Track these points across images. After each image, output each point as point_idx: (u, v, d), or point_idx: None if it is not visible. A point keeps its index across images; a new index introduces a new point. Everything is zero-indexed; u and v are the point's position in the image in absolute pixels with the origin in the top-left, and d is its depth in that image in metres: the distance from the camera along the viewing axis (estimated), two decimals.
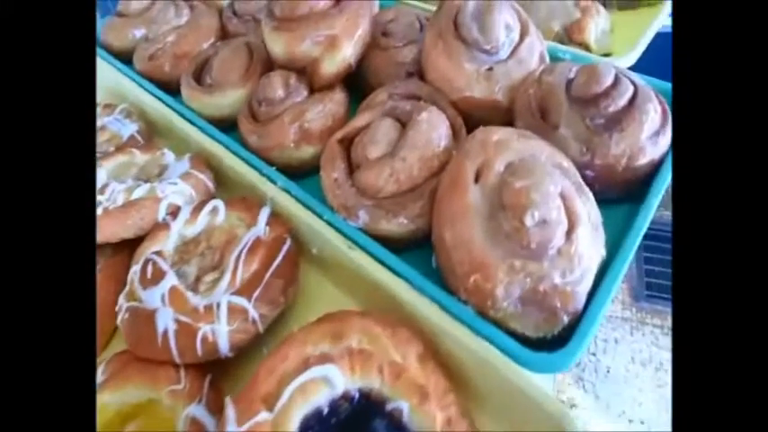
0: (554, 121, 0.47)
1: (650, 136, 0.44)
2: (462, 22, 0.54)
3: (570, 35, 0.60)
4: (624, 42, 0.61)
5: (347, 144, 0.53)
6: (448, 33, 0.54)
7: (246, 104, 0.62)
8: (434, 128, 0.49)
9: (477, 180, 0.41)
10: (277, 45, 0.61)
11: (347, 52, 0.59)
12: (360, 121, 0.54)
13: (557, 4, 0.61)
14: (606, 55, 0.61)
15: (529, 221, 0.36)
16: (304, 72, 0.60)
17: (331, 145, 0.52)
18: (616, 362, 0.66)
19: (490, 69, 0.52)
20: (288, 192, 0.52)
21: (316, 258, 0.49)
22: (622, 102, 0.45)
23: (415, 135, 0.48)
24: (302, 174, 0.58)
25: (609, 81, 0.46)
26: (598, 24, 0.61)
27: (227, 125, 0.64)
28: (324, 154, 0.52)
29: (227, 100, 0.65)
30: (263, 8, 0.77)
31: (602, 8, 0.62)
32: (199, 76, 0.70)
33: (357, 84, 0.64)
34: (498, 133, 0.44)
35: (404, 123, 0.51)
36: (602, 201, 0.42)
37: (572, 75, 0.50)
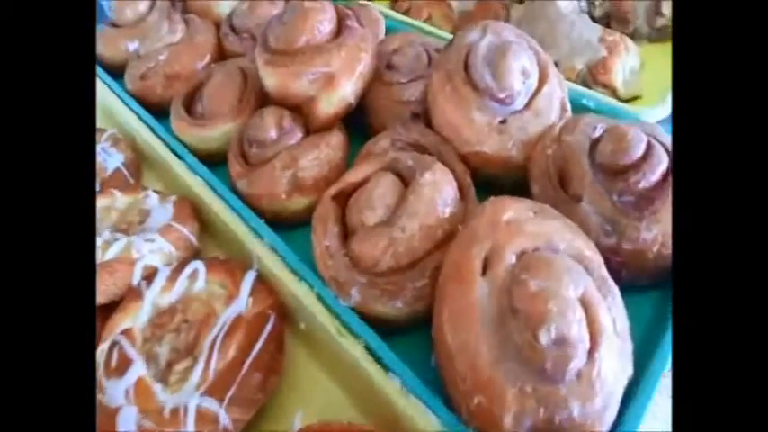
0: (575, 192, 0.41)
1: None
2: (473, 66, 0.48)
3: (595, 75, 0.53)
4: (656, 83, 0.55)
5: (343, 200, 0.48)
6: (457, 77, 0.48)
7: (237, 141, 0.57)
8: (439, 192, 0.44)
9: (484, 270, 0.36)
10: (270, 80, 0.55)
11: (346, 91, 0.53)
12: (357, 174, 0.48)
13: (580, 39, 0.54)
14: (635, 99, 0.54)
15: (544, 339, 0.31)
16: (300, 110, 0.55)
17: (324, 203, 0.47)
18: None
19: (503, 122, 0.47)
20: (276, 251, 0.47)
21: (303, 334, 0.45)
22: (655, 177, 0.39)
23: (416, 201, 0.43)
24: (295, 224, 0.53)
25: (640, 152, 0.40)
26: (626, 63, 0.54)
27: (218, 160, 0.59)
28: (316, 213, 0.47)
29: (217, 134, 0.60)
30: (263, 25, 0.71)
31: (631, 44, 0.55)
32: (191, 103, 0.65)
33: (359, 119, 0.58)
34: (510, 210, 0.39)
35: (406, 181, 0.46)
36: (630, 288, 0.37)
37: (596, 133, 0.44)
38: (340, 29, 0.55)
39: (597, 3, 0.61)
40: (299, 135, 0.54)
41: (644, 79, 0.56)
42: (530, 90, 0.47)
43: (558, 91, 0.48)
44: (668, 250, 0.38)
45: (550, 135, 0.45)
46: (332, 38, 0.54)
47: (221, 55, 0.74)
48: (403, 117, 0.55)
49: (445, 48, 0.52)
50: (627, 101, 0.54)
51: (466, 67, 0.48)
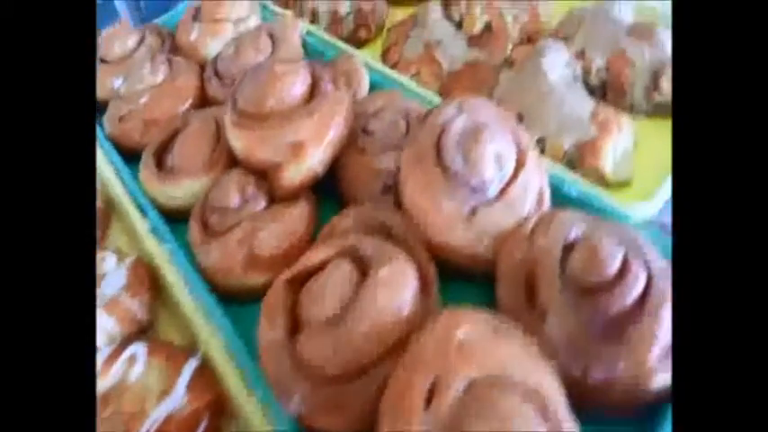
0: (542, 307, 0.37)
1: (663, 354, 0.33)
2: (445, 148, 0.44)
3: (583, 157, 0.49)
4: (650, 166, 0.50)
5: (299, 285, 0.45)
6: (428, 158, 0.44)
7: (200, 205, 0.54)
8: (395, 291, 0.40)
9: (430, 398, 0.32)
10: (236, 143, 0.52)
11: (313, 161, 0.50)
12: (314, 256, 0.45)
13: (570, 116, 0.50)
14: (625, 184, 0.50)
15: None
16: (266, 175, 0.52)
17: (276, 289, 0.44)
18: None
19: (473, 212, 0.43)
20: (224, 338, 0.44)
21: None
22: (628, 301, 0.35)
23: (368, 299, 0.39)
24: (256, 301, 0.49)
25: (613, 269, 0.36)
26: (618, 145, 0.49)
27: (184, 218, 0.57)
28: (265, 299, 0.44)
29: (183, 192, 0.57)
30: (262, 63, 0.68)
31: (625, 123, 0.50)
32: (164, 152, 0.63)
33: (334, 185, 0.55)
34: (466, 327, 0.35)
35: (365, 270, 0.43)
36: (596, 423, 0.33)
37: (572, 236, 0.40)
38: (313, 92, 0.52)
39: (594, 70, 0.57)
40: (262, 204, 0.51)
41: (637, 162, 0.51)
42: (504, 177, 0.43)
43: (535, 179, 0.44)
44: (641, 385, 0.34)
45: (521, 233, 0.41)
46: (303, 101, 0.51)
47: (204, 99, 0.72)
48: (374, 189, 0.51)
49: (421, 121, 0.48)
50: (617, 185, 0.50)
51: (438, 148, 0.45)
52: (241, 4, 0.78)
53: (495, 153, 0.43)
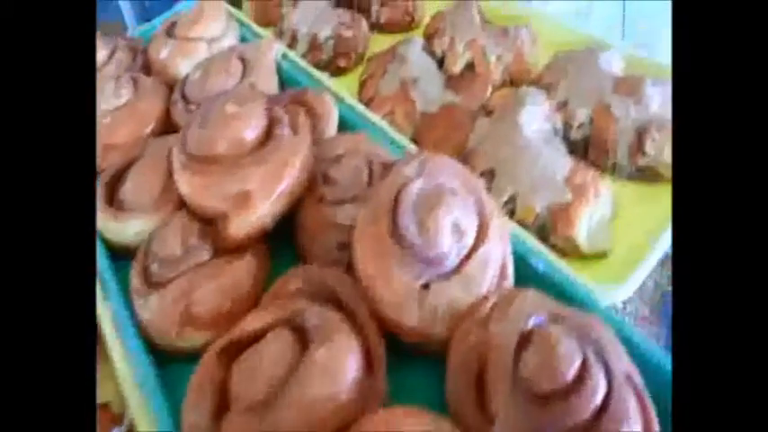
0: (491, 407, 0.33)
1: None
2: (401, 212, 0.40)
3: (555, 223, 0.45)
4: (630, 236, 0.46)
5: (234, 354, 0.41)
6: (382, 221, 0.40)
7: (143, 250, 0.50)
8: (334, 376, 0.36)
9: None
10: (183, 187, 0.48)
11: (262, 213, 0.46)
12: (253, 323, 0.41)
13: (543, 176, 0.46)
14: (602, 255, 0.46)
15: None
16: (212, 223, 0.48)
17: (206, 363, 0.40)
18: None
19: (426, 286, 0.39)
20: (152, 410, 0.40)
21: None
22: (585, 412, 0.31)
23: (302, 385, 0.35)
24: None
25: (569, 376, 0.31)
26: (594, 212, 0.45)
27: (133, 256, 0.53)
28: (195, 374, 0.40)
29: (131, 230, 0.53)
30: (215, 98, 0.65)
31: (603, 189, 0.46)
32: (117, 183, 0.59)
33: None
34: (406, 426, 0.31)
35: (306, 344, 0.39)
36: None
37: (530, 324, 0.36)
38: (268, 136, 0.48)
39: (576, 125, 0.53)
40: (205, 256, 0.47)
41: (616, 230, 0.47)
42: (463, 249, 0.39)
43: (497, 252, 0.40)
44: None
45: (477, 315, 0.37)
46: (256, 147, 0.47)
47: (169, 124, 0.68)
48: (329, 245, 0.47)
49: (381, 176, 0.44)
50: (592, 256, 0.45)
51: (394, 212, 0.40)
52: (217, 23, 0.74)
53: (454, 223, 0.39)
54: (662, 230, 0.45)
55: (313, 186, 0.50)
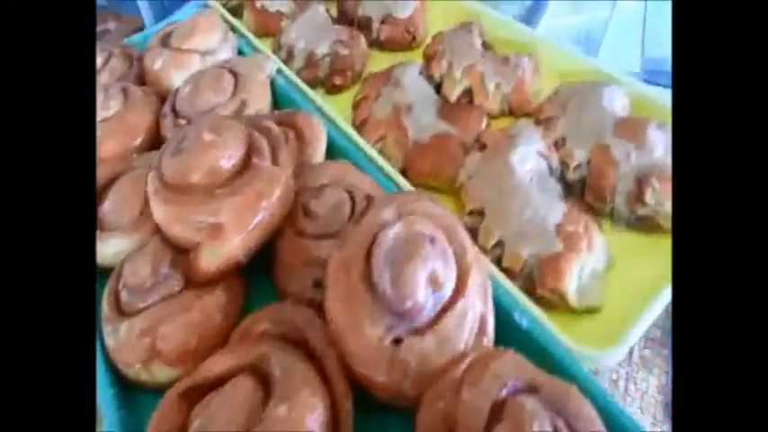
0: None
1: None
2: (375, 260, 0.37)
3: (543, 275, 0.42)
4: (624, 291, 0.43)
5: (196, 397, 0.39)
6: (355, 268, 0.38)
7: (116, 274, 0.48)
8: None
9: None
10: (157, 214, 0.47)
11: (233, 246, 0.44)
12: (216, 366, 0.39)
13: (533, 222, 0.43)
14: (593, 310, 0.43)
15: None
16: (186, 253, 0.46)
17: (166, 405, 0.38)
18: None
19: (398, 341, 0.36)
20: None
21: None
22: None
23: None
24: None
25: None
26: (586, 265, 0.42)
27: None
28: (154, 416, 0.38)
29: (110, 249, 0.51)
30: (203, 116, 0.63)
31: (597, 240, 0.43)
32: (100, 199, 0.57)
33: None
34: None
35: (268, 392, 0.36)
36: None
37: (504, 392, 0.33)
38: (245, 166, 0.46)
39: (572, 165, 0.50)
40: (176, 286, 0.45)
41: (610, 283, 0.44)
42: (439, 302, 0.37)
43: (476, 307, 0.37)
44: None
45: (450, 376, 0.35)
46: (232, 176, 0.45)
47: (158, 137, 0.66)
48: (305, 282, 0.45)
49: (359, 217, 0.42)
50: (582, 311, 0.43)
51: (368, 258, 0.38)
52: (212, 36, 0.73)
53: (430, 275, 0.36)
54: (661, 285, 0.42)
55: (293, 218, 0.48)
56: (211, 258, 0.44)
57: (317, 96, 0.70)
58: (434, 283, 0.37)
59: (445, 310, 0.37)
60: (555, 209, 0.44)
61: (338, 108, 0.66)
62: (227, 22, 0.81)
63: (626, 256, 0.45)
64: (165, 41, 0.74)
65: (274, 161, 0.47)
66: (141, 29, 1.54)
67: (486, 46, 0.63)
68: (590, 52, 1.04)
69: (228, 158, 0.45)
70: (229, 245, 0.44)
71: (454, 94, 0.60)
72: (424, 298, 0.36)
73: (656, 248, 0.45)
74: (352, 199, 0.48)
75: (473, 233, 0.48)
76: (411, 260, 0.36)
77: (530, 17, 1.06)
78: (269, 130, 0.50)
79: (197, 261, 0.44)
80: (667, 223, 0.45)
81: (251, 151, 0.46)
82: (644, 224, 0.46)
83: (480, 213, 0.47)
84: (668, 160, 0.46)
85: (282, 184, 0.45)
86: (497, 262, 0.45)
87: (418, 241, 0.37)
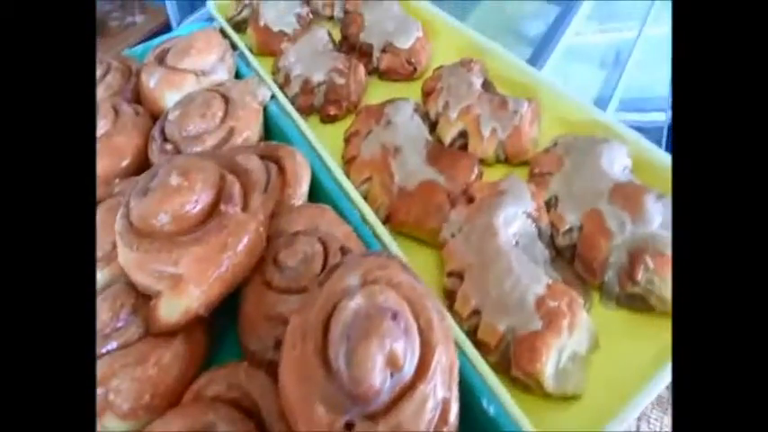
0: None
1: None
2: (333, 333, 0.35)
3: (517, 354, 0.38)
4: (611, 378, 0.39)
5: None
6: (311, 340, 0.35)
7: None
8: None
9: None
10: (120, 258, 0.45)
11: (192, 299, 0.42)
12: (165, 428, 0.37)
13: (511, 294, 0.40)
14: (572, 398, 0.39)
15: None
16: (149, 299, 0.44)
17: None
18: None
19: (349, 427, 0.33)
20: None
21: None
22: None
23: None
24: None
25: None
26: (565, 348, 0.38)
27: None
28: None
29: None
30: (190, 141, 0.61)
31: (581, 320, 0.39)
32: None
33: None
34: None
35: None
36: None
37: None
38: (213, 212, 0.43)
39: (562, 230, 0.46)
40: (135, 334, 0.43)
41: (594, 368, 0.40)
42: (398, 385, 0.34)
43: (438, 393, 0.34)
44: None
45: None
46: (197, 223, 0.43)
47: (146, 161, 0.64)
48: (266, 340, 0.43)
49: (324, 279, 0.39)
50: (560, 398, 0.39)
51: (326, 330, 0.35)
52: (208, 56, 0.71)
53: (389, 356, 0.33)
54: (650, 374, 0.38)
55: (262, 267, 0.46)
56: (170, 310, 0.42)
57: (311, 125, 0.67)
58: (393, 364, 0.34)
59: (403, 394, 0.34)
60: (538, 279, 0.41)
61: (331, 138, 0.64)
62: (228, 38, 0.79)
63: (613, 337, 0.41)
64: (161, 58, 0.72)
65: (245, 207, 0.44)
66: (167, 24, 1.53)
67: (486, 85, 0.60)
68: (616, 72, 1.00)
69: (195, 204, 0.42)
70: (188, 298, 0.41)
71: (448, 136, 0.56)
72: (380, 381, 0.33)
73: (648, 331, 0.41)
74: (326, 250, 0.46)
75: (452, 296, 0.45)
76: (368, 339, 0.33)
77: (551, 34, 1.03)
78: (245, 172, 0.47)
79: (156, 311, 0.42)
80: (661, 305, 0.41)
81: (220, 196, 0.44)
82: (634, 302, 0.43)
83: (460, 276, 0.44)
84: (665, 235, 0.42)
85: (251, 232, 0.43)
86: (474, 332, 0.42)
87: (377, 317, 0.34)
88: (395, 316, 0.35)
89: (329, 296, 0.37)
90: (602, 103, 0.89)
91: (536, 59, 0.94)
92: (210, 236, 0.42)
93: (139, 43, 0.86)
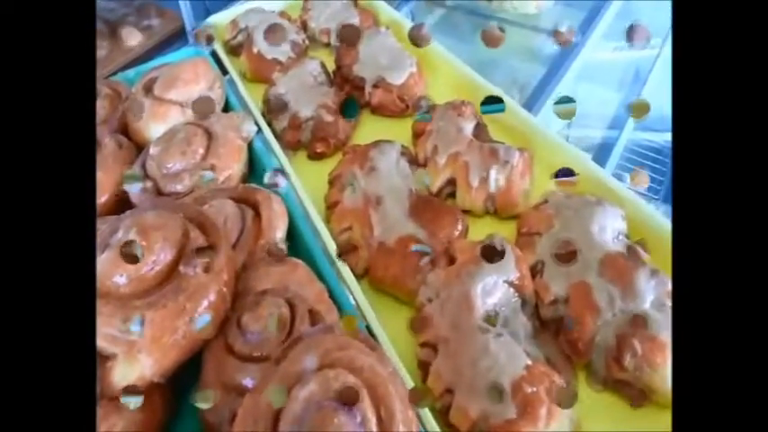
0: None
1: None
2: (282, 425, 0.32)
3: None
4: None
5: None
6: (262, 427, 0.33)
7: None
8: None
9: None
10: None
11: (144, 367, 0.39)
12: None
13: (487, 376, 0.36)
14: None
15: None
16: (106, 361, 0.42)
17: None
18: None
19: None
20: None
21: None
22: None
23: None
24: None
25: None
26: None
27: None
28: None
29: None
30: (169, 179, 0.59)
31: (559, 412, 0.35)
32: None
33: None
34: None
35: None
36: None
37: None
38: (171, 274, 0.41)
39: (547, 300, 0.43)
40: None
41: None
42: None
43: None
44: None
45: None
46: (155, 285, 0.40)
47: (126, 197, 0.62)
48: (221, 415, 0.40)
49: (285, 352, 0.36)
50: None
51: (276, 420, 0.33)
52: (196, 86, 0.69)
53: None
54: None
55: (225, 328, 0.43)
56: (123, 376, 0.39)
57: (298, 161, 0.65)
58: None
59: None
60: (516, 360, 0.37)
61: (317, 175, 0.61)
62: (220, 65, 0.77)
63: (599, 420, 0.38)
64: (148, 88, 0.70)
65: (209, 266, 0.42)
66: (182, 28, 1.52)
67: (479, 128, 0.56)
68: (635, 90, 0.96)
69: (152, 266, 0.40)
70: (141, 365, 0.39)
71: (436, 184, 0.53)
72: None
73: (637, 420, 0.38)
74: (293, 313, 0.43)
75: (425, 368, 0.42)
76: None
77: (567, 52, 0.99)
78: (213, 227, 0.45)
79: (109, 376, 0.40)
80: (651, 394, 0.38)
81: (180, 256, 0.41)
82: (619, 389, 0.39)
83: (434, 348, 0.41)
84: (658, 317, 0.38)
85: (211, 297, 0.41)
86: (443, 414, 0.38)
87: (330, 411, 0.31)
88: (350, 409, 0.32)
89: (282, 379, 0.34)
90: (618, 122, 0.87)
91: (550, 78, 0.91)
92: (167, 299, 0.39)
93: (155, 47, 0.86)
